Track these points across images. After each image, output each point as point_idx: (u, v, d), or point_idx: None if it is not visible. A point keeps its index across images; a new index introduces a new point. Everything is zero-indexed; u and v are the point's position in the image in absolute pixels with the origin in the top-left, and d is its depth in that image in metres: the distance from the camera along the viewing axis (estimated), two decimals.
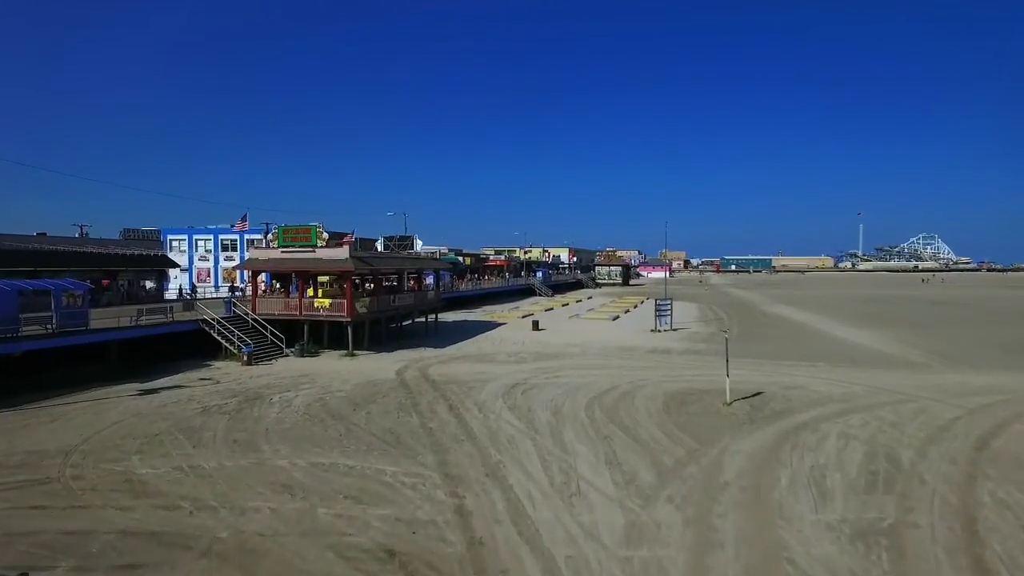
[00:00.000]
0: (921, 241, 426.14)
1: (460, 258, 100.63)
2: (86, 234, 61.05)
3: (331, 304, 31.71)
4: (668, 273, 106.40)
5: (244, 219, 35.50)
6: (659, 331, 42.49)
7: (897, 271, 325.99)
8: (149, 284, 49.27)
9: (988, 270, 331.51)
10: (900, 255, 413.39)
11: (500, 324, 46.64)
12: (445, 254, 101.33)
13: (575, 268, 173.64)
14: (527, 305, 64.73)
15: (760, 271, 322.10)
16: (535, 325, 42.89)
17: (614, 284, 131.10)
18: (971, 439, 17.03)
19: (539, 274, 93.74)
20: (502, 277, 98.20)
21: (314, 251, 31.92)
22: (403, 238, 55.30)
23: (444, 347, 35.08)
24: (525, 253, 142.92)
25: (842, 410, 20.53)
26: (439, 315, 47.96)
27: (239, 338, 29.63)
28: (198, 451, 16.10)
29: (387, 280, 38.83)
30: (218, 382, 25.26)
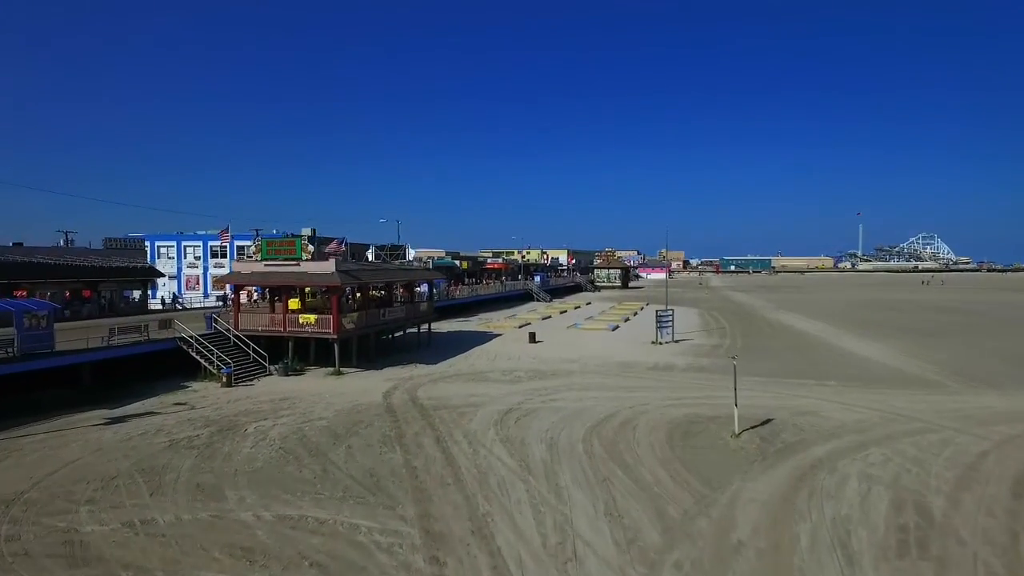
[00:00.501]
0: (921, 241, 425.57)
1: (456, 262, 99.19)
2: (71, 241, 59.48)
3: (316, 320, 30.19)
4: (668, 274, 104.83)
5: (226, 231, 33.99)
6: (660, 343, 41.00)
7: (897, 271, 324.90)
8: (136, 293, 47.63)
9: (988, 270, 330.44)
10: (900, 255, 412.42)
11: (495, 335, 45.16)
12: (442, 258, 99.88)
13: (574, 271, 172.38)
14: (524, 313, 63.24)
15: (760, 271, 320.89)
16: (531, 337, 41.39)
17: (613, 287, 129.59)
18: (1006, 482, 15.55)
19: (537, 279, 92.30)
20: (500, 281, 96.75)
21: (299, 264, 30.41)
22: (394, 247, 53.28)
23: (436, 363, 33.58)
24: (523, 257, 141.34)
25: (859, 443, 19.06)
26: (433, 325, 46.48)
27: (219, 357, 28.11)
28: (155, 500, 14.59)
29: (376, 290, 37.27)
30: (193, 408, 23.75)
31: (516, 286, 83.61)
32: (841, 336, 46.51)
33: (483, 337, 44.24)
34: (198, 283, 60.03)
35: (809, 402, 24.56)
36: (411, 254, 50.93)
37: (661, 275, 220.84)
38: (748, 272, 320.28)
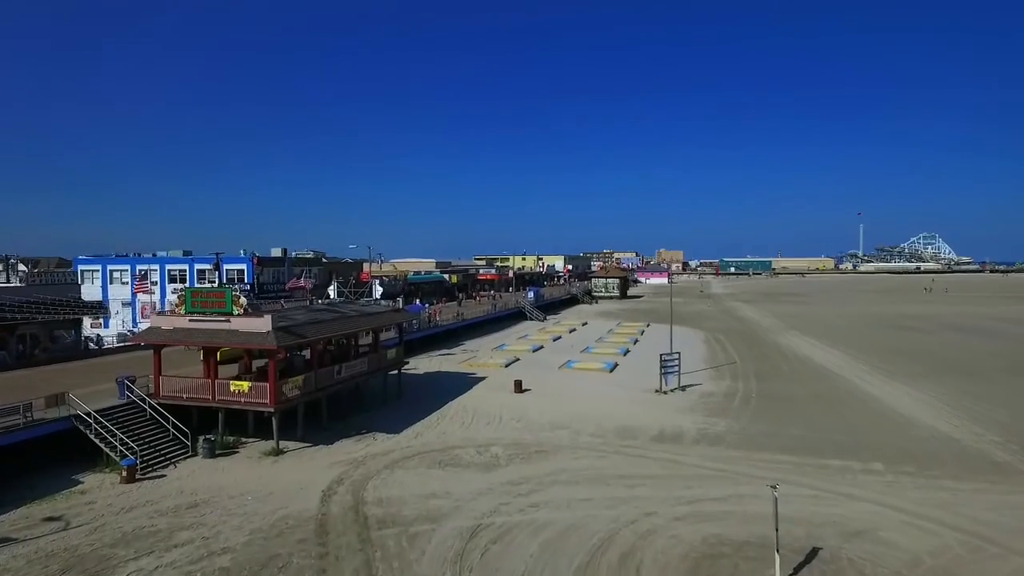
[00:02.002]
0: (922, 241, 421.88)
1: (445, 276, 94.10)
2: (14, 265, 54.19)
3: (251, 388, 24.85)
4: (668, 278, 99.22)
5: (144, 278, 28.78)
6: (665, 392, 35.74)
7: (899, 273, 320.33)
8: (75, 334, 41.80)
9: (991, 271, 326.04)
10: (901, 255, 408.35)
11: (477, 380, 39.80)
12: (430, 272, 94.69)
13: (571, 277, 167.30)
14: (513, 341, 57.95)
15: (759, 274, 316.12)
16: (518, 386, 36.05)
17: (611, 297, 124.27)
18: None
19: (530, 294, 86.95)
20: (491, 296, 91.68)
21: (229, 320, 25.04)
22: (358, 285, 47.16)
23: (399, 432, 28.21)
24: (515, 270, 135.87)
25: None
26: (412, 360, 41.54)
27: (122, 441, 22.75)
28: None
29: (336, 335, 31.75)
30: (67, 525, 18.37)
31: (507, 304, 78.31)
32: (868, 376, 41.30)
33: (462, 383, 38.87)
34: (154, 311, 54.54)
35: (860, 509, 19.23)
36: (376, 293, 44.79)
37: (661, 279, 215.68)
38: (748, 274, 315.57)
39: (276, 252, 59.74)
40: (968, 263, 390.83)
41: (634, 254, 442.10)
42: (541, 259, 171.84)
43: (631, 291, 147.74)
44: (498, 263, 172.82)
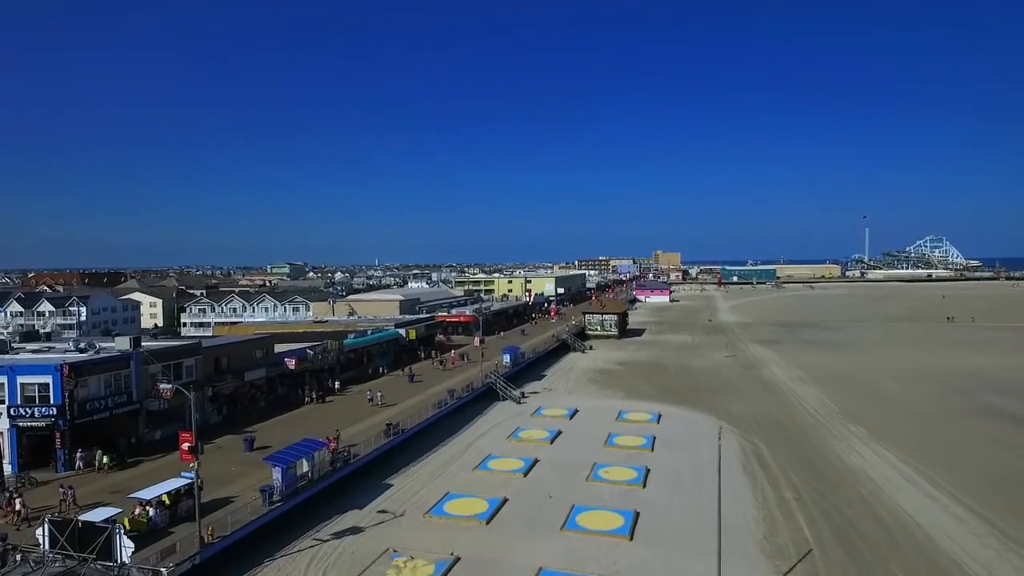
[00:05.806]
0: (928, 244, 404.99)
1: (401, 331, 75.63)
2: None
3: None
4: (667, 295, 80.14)
5: None
6: None
7: (909, 280, 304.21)
8: None
9: (1006, 278, 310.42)
10: (908, 260, 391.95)
11: None
12: (381, 329, 76.11)
13: (565, 302, 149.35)
14: (467, 476, 39.76)
15: (763, 283, 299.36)
16: None
17: (608, 336, 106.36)
18: None
19: (506, 357, 68.67)
20: (465, 357, 73.39)
21: None
22: (179, 495, 22.39)
23: None
24: (494, 303, 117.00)
25: None
26: (284, 552, 23.28)
27: None
28: None
29: None
30: None
31: (474, 383, 59.79)
32: None
33: None
34: None
35: None
36: (126, 553, 24.87)
37: (662, 298, 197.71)
38: (752, 284, 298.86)
39: (119, 344, 41.01)
40: (977, 267, 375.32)
41: (631, 261, 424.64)
42: (529, 284, 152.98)
43: (631, 316, 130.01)
44: (481, 291, 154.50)
